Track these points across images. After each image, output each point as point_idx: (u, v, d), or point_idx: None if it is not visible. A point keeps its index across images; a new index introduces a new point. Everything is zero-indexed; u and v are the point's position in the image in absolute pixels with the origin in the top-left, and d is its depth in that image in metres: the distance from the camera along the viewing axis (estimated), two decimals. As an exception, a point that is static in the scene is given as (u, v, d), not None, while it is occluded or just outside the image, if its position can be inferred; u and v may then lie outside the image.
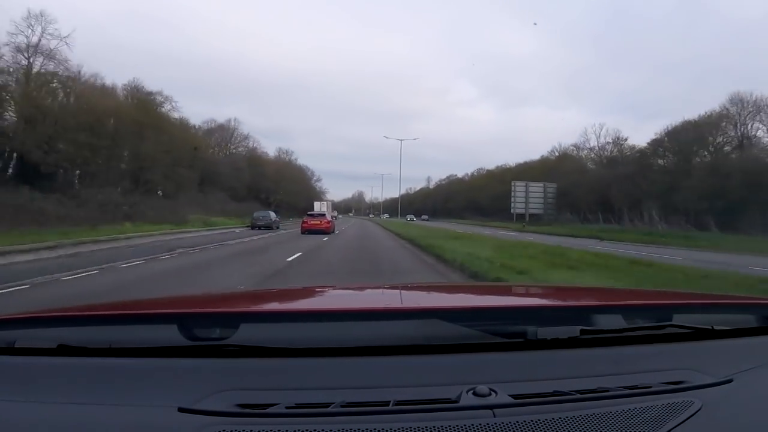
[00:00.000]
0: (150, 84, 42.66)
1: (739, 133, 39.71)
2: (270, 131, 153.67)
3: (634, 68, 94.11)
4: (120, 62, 75.57)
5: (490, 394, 0.92)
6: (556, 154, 61.77)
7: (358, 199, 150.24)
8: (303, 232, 26.06)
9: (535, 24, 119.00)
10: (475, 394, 0.92)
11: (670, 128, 43.16)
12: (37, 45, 29.38)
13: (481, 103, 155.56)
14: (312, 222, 27.42)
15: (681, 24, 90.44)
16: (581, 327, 1.10)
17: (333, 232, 28.04)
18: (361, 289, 2.08)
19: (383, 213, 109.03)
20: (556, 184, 48.36)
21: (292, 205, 65.85)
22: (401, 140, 61.47)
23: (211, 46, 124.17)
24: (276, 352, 1.03)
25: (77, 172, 32.23)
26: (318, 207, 47.76)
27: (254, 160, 65.03)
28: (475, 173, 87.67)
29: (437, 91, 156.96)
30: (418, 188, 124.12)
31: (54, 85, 31.17)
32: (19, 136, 27.01)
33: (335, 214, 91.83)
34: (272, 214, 34.97)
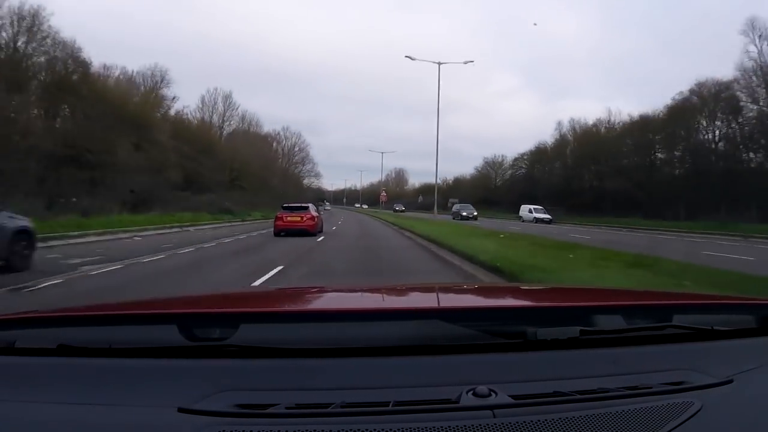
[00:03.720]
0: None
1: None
2: (301, 123, 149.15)
3: (683, 55, 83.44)
4: (139, 49, 73.98)
5: (490, 395, 0.92)
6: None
7: (397, 180, 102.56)
8: (277, 233, 18.94)
9: (535, 24, 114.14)
10: (475, 394, 0.92)
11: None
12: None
13: (522, 96, 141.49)
14: (289, 219, 19.40)
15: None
16: (581, 327, 1.10)
17: (319, 232, 20.19)
18: (361, 289, 2.08)
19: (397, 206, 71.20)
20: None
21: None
22: (439, 63, 30.50)
23: (235, 30, 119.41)
24: (276, 352, 1.03)
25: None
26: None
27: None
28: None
29: (475, 82, 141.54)
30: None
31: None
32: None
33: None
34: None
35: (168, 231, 21.61)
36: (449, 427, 0.85)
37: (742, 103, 37.85)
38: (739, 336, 1.22)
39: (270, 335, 1.09)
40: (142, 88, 42.55)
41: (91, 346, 1.05)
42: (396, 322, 1.17)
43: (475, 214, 43.15)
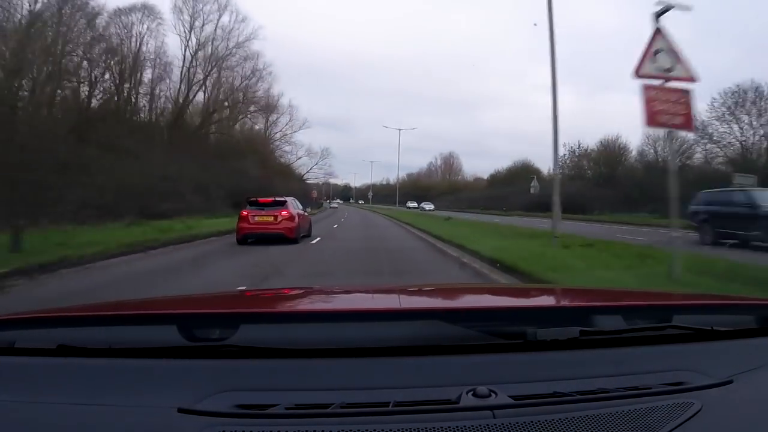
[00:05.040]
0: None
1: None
2: (330, 120, 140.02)
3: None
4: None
5: (489, 395, 0.92)
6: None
7: (446, 168, 67.98)
8: (242, 240, 13.44)
9: (535, 25, 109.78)
10: (475, 395, 0.92)
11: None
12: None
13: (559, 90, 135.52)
14: (258, 219, 13.52)
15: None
16: (581, 328, 1.10)
17: (304, 237, 14.62)
18: (362, 290, 2.08)
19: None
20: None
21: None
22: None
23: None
24: (276, 352, 1.03)
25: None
26: None
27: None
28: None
29: (511, 76, 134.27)
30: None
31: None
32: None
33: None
34: None
35: None
36: (449, 427, 0.85)
37: None
38: (739, 336, 1.22)
39: (270, 335, 1.09)
40: None
41: (90, 346, 1.05)
42: (396, 323, 1.17)
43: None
